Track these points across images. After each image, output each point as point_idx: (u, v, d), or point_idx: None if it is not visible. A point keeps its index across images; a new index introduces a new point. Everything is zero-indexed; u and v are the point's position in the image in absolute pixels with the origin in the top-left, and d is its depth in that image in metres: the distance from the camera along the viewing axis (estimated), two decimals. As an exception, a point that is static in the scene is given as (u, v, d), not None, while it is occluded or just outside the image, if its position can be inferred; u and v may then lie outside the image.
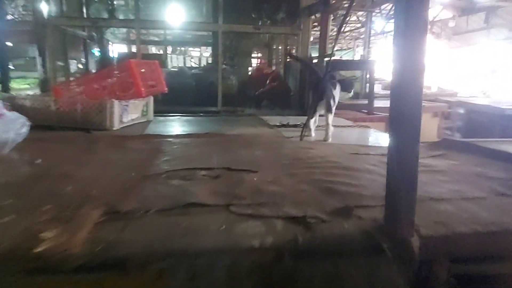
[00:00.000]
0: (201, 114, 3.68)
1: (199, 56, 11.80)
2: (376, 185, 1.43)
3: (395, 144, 0.98)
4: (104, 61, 6.26)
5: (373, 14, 8.84)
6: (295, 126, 3.15)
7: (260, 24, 4.89)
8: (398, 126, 0.97)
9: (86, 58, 5.92)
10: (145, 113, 3.02)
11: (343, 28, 6.78)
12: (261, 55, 7.44)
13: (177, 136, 2.37)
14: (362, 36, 13.48)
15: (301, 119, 3.36)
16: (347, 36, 14.09)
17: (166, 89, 3.07)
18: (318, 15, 4.93)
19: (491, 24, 9.98)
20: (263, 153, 1.95)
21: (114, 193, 1.27)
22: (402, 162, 0.97)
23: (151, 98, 3.08)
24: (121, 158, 1.77)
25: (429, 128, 4.99)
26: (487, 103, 5.77)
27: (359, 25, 12.05)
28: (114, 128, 2.52)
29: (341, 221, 1.08)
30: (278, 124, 3.20)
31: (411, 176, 0.98)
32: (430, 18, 10.72)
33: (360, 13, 10.47)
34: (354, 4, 6.02)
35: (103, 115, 2.48)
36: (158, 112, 4.09)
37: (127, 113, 2.67)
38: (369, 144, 2.41)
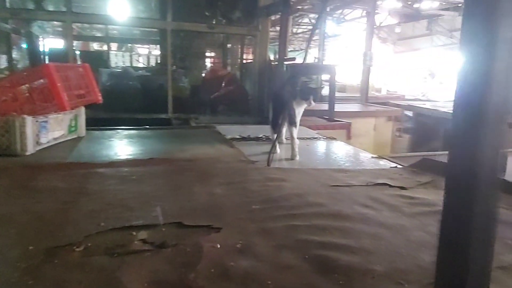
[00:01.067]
0: (147, 126, 3.13)
1: (147, 54, 10.96)
2: (383, 246, 1.07)
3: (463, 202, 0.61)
4: (32, 58, 5.42)
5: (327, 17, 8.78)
6: (257, 139, 2.76)
7: (214, 23, 4.43)
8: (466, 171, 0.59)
9: (9, 54, 5.06)
10: (73, 129, 2.44)
11: (315, 29, 6.56)
12: (214, 55, 6.95)
13: (111, 164, 1.85)
14: (314, 38, 13.57)
15: (262, 129, 2.99)
16: (299, 37, 14.06)
17: (100, 98, 2.51)
18: (277, 15, 4.58)
19: (433, 31, 10.51)
20: (224, 190, 1.51)
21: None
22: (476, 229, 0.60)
23: (82, 109, 2.50)
24: (23, 211, 1.24)
25: (384, 132, 4.94)
26: (434, 107, 6.02)
27: (311, 27, 12.00)
28: (28, 153, 1.93)
29: None
30: (237, 137, 2.79)
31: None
32: (377, 23, 11.03)
33: (312, 15, 10.41)
34: (323, 5, 5.76)
35: (11, 137, 1.88)
36: (95, 121, 3.49)
37: (47, 132, 2.09)
38: (344, 164, 2.08)
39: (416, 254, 1.02)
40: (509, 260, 1.00)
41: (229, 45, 5.85)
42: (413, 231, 1.18)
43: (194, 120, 4.20)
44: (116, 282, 0.84)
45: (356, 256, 1.00)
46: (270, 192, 1.49)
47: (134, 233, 1.09)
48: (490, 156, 0.56)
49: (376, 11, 7.51)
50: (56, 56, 5.64)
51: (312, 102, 2.19)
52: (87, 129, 2.72)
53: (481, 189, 0.57)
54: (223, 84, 4.89)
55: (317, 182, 1.67)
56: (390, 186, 1.66)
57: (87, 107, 4.37)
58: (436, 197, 1.50)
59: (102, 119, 4.07)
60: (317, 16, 7.85)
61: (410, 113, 6.68)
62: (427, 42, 11.48)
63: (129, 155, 2.09)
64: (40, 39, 6.30)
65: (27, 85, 2.11)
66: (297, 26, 12.85)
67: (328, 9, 7.66)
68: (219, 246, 1.02)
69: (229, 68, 5.82)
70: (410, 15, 9.87)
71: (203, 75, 5.57)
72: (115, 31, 8.09)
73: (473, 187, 0.57)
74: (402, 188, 1.63)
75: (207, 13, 4.34)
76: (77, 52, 6.40)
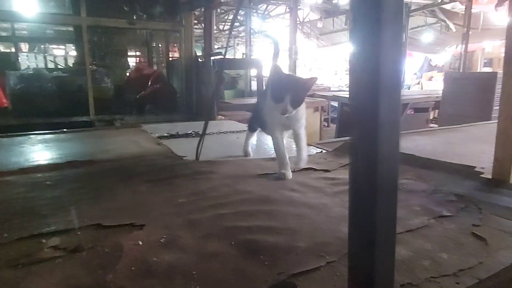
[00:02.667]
0: (65, 129, 2.89)
1: (64, 55, 10.09)
2: (306, 224, 1.11)
3: (365, 169, 0.64)
4: None
5: (252, 13, 8.93)
6: (186, 135, 2.71)
7: (135, 18, 4.22)
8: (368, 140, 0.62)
9: None
10: (-26, 137, 2.15)
11: (233, 24, 6.57)
12: (140, 54, 6.64)
13: (21, 171, 1.66)
14: (241, 35, 13.71)
15: (191, 126, 2.93)
16: (227, 34, 14.10)
17: (4, 101, 2.24)
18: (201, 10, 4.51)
19: (339, 27, 11.31)
20: (150, 187, 1.45)
21: None
22: (378, 192, 0.63)
23: (-17, 115, 2.22)
24: None
25: (313, 122, 5.18)
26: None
27: (237, 23, 12.10)
28: None
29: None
30: (166, 134, 2.70)
31: (391, 212, 0.65)
32: (301, 18, 11.52)
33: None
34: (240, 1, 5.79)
35: None
36: (5, 128, 3.13)
37: None
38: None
39: (336, 228, 1.08)
40: (415, 224, 1.10)
41: (154, 43, 5.63)
42: (334, 208, 1.24)
43: (119, 121, 3.98)
44: (19, 295, 0.75)
45: (282, 236, 1.02)
46: (198, 185, 1.46)
47: (44, 240, 0.99)
48: (388, 128, 0.59)
49: (298, 7, 7.82)
50: None
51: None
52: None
53: (382, 165, 0.60)
54: (150, 83, 4.71)
55: (245, 171, 1.68)
56: (315, 170, 1.73)
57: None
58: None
59: (13, 126, 3.67)
60: (242, 11, 7.93)
61: (335, 103, 7.19)
62: (346, 37, 12.29)
63: (44, 160, 1.90)
64: None
65: None
66: (223, 23, 12.86)
67: (251, 4, 7.79)
68: (141, 243, 0.97)
69: (155, 66, 5.61)
70: (330, 10, 10.46)
71: (128, 74, 5.30)
72: (24, 30, 7.31)
73: (374, 163, 0.60)
74: (325, 171, 1.71)
75: (126, 8, 4.11)
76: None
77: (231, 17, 11.84)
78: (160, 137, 2.59)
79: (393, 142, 0.61)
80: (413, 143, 2.30)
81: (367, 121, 0.60)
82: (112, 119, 4.09)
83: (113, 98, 4.57)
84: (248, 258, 0.91)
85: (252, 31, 8.96)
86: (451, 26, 9.34)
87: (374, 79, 0.58)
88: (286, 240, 1.00)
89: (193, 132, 2.77)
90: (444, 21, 9.50)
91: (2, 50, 8.24)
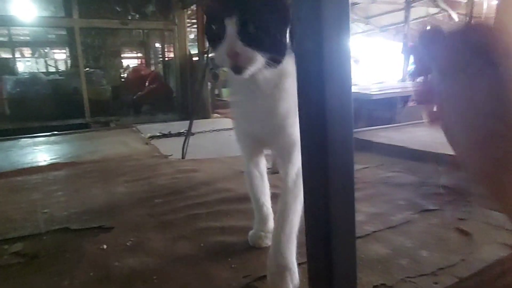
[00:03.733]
0: (57, 132, 2.86)
1: (59, 58, 10.11)
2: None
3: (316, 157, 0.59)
4: None
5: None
6: (178, 134, 2.66)
7: (129, 18, 4.19)
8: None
9: None
10: (-40, 142, 2.13)
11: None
12: (136, 54, 6.63)
13: (2, 175, 1.63)
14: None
15: (186, 125, 2.89)
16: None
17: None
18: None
19: (352, 19, 11.15)
20: (128, 188, 1.40)
21: None
22: (333, 183, 0.57)
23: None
24: None
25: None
26: (357, 90, 6.37)
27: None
28: None
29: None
30: (158, 134, 2.67)
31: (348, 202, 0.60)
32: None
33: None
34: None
35: None
36: (1, 134, 3.11)
37: None
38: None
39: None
40: (397, 220, 1.04)
41: (149, 43, 5.60)
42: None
43: (115, 122, 3.96)
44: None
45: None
46: (178, 184, 1.42)
47: (7, 246, 0.95)
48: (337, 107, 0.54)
49: None
50: None
51: None
52: (-18, 142, 2.42)
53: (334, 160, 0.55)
54: (147, 83, 4.68)
55: (230, 169, 1.63)
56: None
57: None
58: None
59: (9, 130, 3.66)
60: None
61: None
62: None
63: (27, 163, 1.87)
64: None
65: None
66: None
67: None
68: (105, 246, 0.93)
69: (152, 67, 5.59)
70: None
71: (125, 75, 5.28)
72: (19, 35, 7.32)
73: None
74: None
75: (118, 9, 4.08)
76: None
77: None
78: (152, 137, 2.55)
79: (345, 135, 0.55)
80: (408, 135, 2.23)
81: (314, 114, 0.54)
82: (108, 120, 4.07)
83: (109, 99, 4.55)
84: (216, 261, 0.86)
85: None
86: (454, 15, 9.19)
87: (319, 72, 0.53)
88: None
89: (185, 131, 2.73)
90: (447, 10, 9.35)
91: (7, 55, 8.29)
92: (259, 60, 0.61)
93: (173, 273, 0.82)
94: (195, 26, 5.40)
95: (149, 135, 2.62)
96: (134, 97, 4.69)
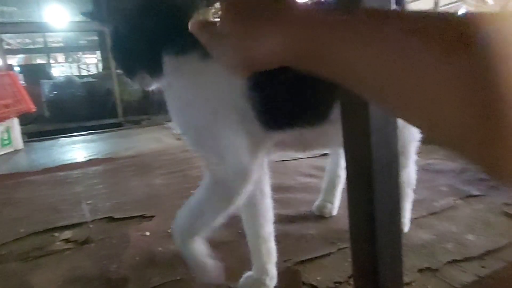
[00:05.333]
0: (92, 131, 2.98)
1: (95, 62, 10.52)
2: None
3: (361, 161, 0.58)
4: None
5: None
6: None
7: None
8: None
9: None
10: (6, 142, 2.26)
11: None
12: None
13: (45, 170, 1.72)
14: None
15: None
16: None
17: (32, 107, 2.34)
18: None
19: None
20: (164, 180, 1.44)
21: None
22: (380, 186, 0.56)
23: (15, 121, 2.33)
24: None
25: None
26: None
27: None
28: (-50, 172, 1.76)
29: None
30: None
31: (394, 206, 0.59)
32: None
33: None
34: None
35: None
36: (41, 134, 3.28)
37: (-28, 147, 1.92)
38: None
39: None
40: (441, 206, 1.01)
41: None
42: (352, 192, 1.17)
43: (146, 120, 4.07)
44: (25, 286, 0.76)
45: (293, 225, 0.98)
46: (212, 176, 1.44)
47: (57, 234, 1.01)
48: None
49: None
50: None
51: None
52: (26, 142, 2.55)
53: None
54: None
55: (262, 160, 1.64)
56: (336, 155, 1.66)
57: (32, 120, 4.13)
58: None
59: (47, 131, 3.85)
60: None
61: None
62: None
63: (67, 160, 1.97)
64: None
65: None
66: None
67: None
68: (148, 233, 0.96)
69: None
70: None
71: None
72: (55, 42, 7.67)
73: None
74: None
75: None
76: (17, 68, 5.99)
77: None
78: (178, 134, 2.61)
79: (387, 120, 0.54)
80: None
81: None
82: (139, 119, 4.19)
83: (140, 99, 4.68)
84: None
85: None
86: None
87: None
88: (297, 228, 0.95)
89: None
90: (479, -5, 8.93)
91: (38, 62, 8.71)
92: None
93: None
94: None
95: (180, 131, 2.68)
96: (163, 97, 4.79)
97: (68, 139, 2.71)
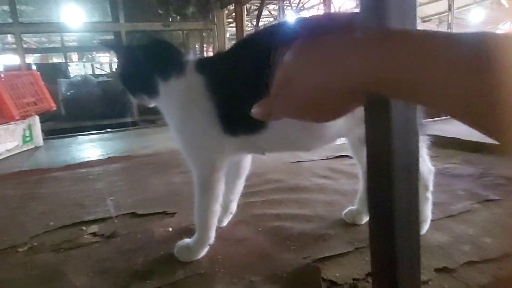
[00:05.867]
0: (109, 129, 3.05)
1: (109, 62, 10.69)
2: (336, 211, 1.07)
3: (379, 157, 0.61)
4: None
5: (285, 7, 8.83)
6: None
7: (170, 20, 4.35)
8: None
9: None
10: (28, 139, 2.33)
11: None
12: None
13: (66, 167, 1.78)
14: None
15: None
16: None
17: (53, 105, 2.41)
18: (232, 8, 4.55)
19: None
20: (184, 178, 1.48)
21: None
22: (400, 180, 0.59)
23: (36, 119, 2.40)
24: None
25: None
26: None
27: (271, 19, 12.05)
28: (-23, 167, 1.83)
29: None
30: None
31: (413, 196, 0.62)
32: (336, 7, 11.20)
33: (271, 6, 10.44)
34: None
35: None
36: (57, 132, 3.37)
37: (-3, 143, 1.99)
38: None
39: (369, 214, 1.03)
40: (458, 209, 1.03)
41: (189, 43, 5.77)
42: (368, 194, 1.19)
43: (161, 120, 4.13)
44: (59, 276, 0.80)
45: (310, 224, 1.00)
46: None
47: (84, 228, 1.05)
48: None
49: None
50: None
51: None
52: (45, 139, 2.62)
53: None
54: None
55: (278, 160, 1.67)
56: (351, 157, 1.68)
57: (49, 118, 4.23)
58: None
59: (64, 129, 3.95)
60: (275, 5, 7.88)
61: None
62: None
63: (87, 157, 2.02)
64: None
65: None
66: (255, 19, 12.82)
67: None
68: (171, 229, 1.00)
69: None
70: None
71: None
72: (71, 41, 7.83)
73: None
74: (361, 158, 1.65)
75: (160, 11, 4.25)
76: (34, 66, 6.15)
77: (265, 12, 11.82)
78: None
79: (409, 115, 0.57)
80: (461, 127, 2.15)
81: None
82: (154, 118, 4.26)
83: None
84: (275, 243, 0.90)
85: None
86: (503, 0, 8.62)
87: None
88: (314, 227, 0.98)
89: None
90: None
91: (55, 61, 8.89)
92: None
93: (236, 253, 0.87)
94: (233, 25, 5.52)
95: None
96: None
97: (85, 137, 2.78)
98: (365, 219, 0.96)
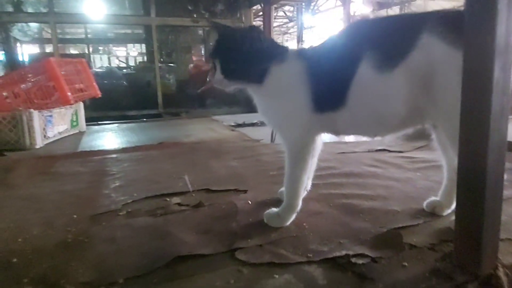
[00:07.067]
0: (144, 119, 3.18)
1: (125, 55, 10.84)
2: (396, 193, 1.18)
3: (472, 150, 0.72)
4: (11, 64, 5.31)
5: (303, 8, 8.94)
6: (252, 124, 2.87)
7: (197, 16, 4.48)
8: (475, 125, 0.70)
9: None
10: (75, 124, 2.46)
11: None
12: (197, 50, 6.96)
13: (123, 150, 1.90)
14: (290, 31, 13.75)
15: (254, 117, 3.08)
16: (276, 30, 14.16)
17: (99, 93, 2.54)
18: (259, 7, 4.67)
19: None
20: (240, 163, 1.60)
21: (49, 257, 0.84)
22: (485, 172, 0.71)
23: (81, 105, 2.53)
24: (52, 191, 1.29)
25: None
26: None
27: (286, 20, 12.14)
28: (37, 147, 1.96)
29: (396, 258, 0.79)
30: (233, 124, 2.88)
31: (497, 189, 0.74)
32: (352, 13, 11.27)
33: (287, 8, 10.54)
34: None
35: (19, 131, 1.91)
36: (89, 120, 3.50)
37: (52, 126, 2.12)
38: (344, 138, 2.19)
39: (426, 197, 1.14)
40: (508, 194, 1.13)
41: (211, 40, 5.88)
42: (419, 180, 1.31)
43: (184, 113, 4.25)
44: (166, 234, 0.92)
45: (376, 202, 1.11)
46: (283, 162, 1.58)
47: (168, 199, 1.17)
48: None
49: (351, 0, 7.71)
50: (38, 61, 5.54)
51: None
52: (86, 125, 2.76)
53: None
54: (208, 78, 4.95)
55: (323, 151, 1.77)
56: (390, 151, 1.79)
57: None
58: (432, 156, 1.63)
59: (93, 119, 4.08)
60: (292, 7, 7.98)
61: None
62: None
63: (137, 142, 2.15)
64: (18, 45, 6.15)
65: (28, 82, 2.12)
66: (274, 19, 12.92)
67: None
68: (250, 202, 1.12)
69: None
70: (384, 2, 10.15)
71: (189, 71, 5.61)
72: (90, 34, 7.96)
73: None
74: (400, 152, 1.76)
75: (189, 7, 4.38)
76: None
77: (280, 13, 11.92)
78: (230, 126, 2.77)
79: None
80: None
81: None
82: (178, 111, 4.38)
83: (176, 93, 4.88)
84: (349, 216, 1.01)
85: (302, 26, 8.98)
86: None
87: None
88: (380, 204, 1.09)
89: (258, 122, 2.92)
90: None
91: (78, 52, 9.05)
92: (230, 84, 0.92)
93: (318, 222, 0.98)
94: (261, 23, 5.63)
95: (226, 124, 2.84)
96: (198, 91, 4.97)
97: (124, 125, 2.90)
98: (447, 211, 1.00)
